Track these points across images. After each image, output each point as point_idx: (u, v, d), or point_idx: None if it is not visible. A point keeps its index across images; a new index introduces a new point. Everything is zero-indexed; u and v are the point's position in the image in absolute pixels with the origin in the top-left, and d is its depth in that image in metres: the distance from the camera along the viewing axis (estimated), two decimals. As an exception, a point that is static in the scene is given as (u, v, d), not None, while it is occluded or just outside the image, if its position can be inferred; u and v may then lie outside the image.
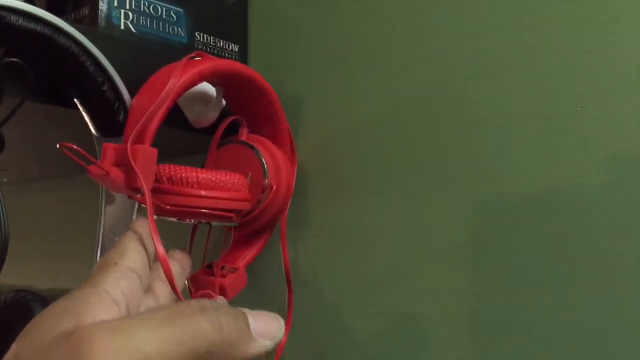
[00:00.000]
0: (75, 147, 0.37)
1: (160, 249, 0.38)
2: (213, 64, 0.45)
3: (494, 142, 0.44)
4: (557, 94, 0.41)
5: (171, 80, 0.42)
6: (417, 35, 0.49)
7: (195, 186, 0.44)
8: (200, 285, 0.49)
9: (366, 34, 0.52)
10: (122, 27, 0.49)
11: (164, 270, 0.37)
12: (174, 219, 0.45)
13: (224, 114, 0.51)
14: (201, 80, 0.45)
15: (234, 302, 0.49)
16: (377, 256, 0.50)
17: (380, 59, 0.51)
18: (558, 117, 0.41)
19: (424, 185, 0.47)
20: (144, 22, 0.50)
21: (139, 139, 0.41)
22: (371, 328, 0.49)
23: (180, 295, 0.39)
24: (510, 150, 0.43)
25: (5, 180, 0.41)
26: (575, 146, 0.41)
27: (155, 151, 0.41)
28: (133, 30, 0.49)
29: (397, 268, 0.48)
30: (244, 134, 0.51)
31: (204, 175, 0.44)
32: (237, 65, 0.48)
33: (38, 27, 0.38)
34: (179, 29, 0.53)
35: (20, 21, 0.37)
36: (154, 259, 0.37)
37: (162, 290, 0.38)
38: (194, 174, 0.44)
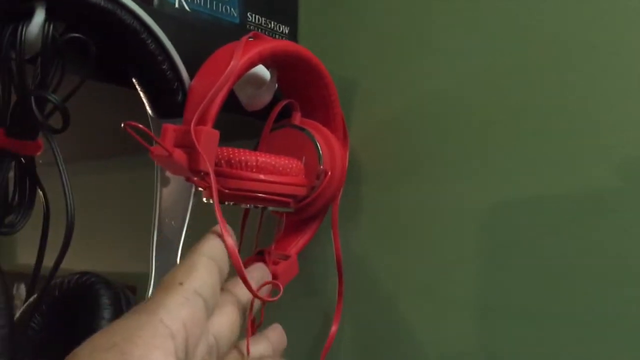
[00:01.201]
0: (141, 126, 0.36)
1: (230, 240, 0.37)
2: (273, 44, 0.44)
3: (562, 130, 0.43)
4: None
5: (233, 61, 0.41)
6: (480, 16, 0.47)
7: (254, 170, 0.43)
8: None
9: (423, 14, 0.50)
10: (176, 5, 0.47)
11: (233, 261, 0.36)
12: (230, 203, 0.44)
13: (276, 98, 0.50)
14: (261, 61, 0.43)
15: (285, 290, 0.48)
16: (433, 247, 0.48)
17: (438, 40, 0.49)
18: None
19: (487, 173, 0.46)
20: (198, 1, 0.48)
21: (202, 120, 0.39)
22: (424, 321, 0.48)
23: (252, 287, 0.37)
24: (579, 139, 0.42)
25: (40, 161, 0.40)
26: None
27: (217, 133, 0.40)
28: (187, 8, 0.48)
29: (456, 261, 0.47)
30: (297, 118, 0.50)
31: (264, 159, 0.43)
32: (295, 47, 0.46)
33: (101, 2, 0.37)
34: (232, 9, 0.51)
35: (84, -5, 0.36)
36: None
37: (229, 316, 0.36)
38: (253, 157, 0.43)
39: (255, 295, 0.38)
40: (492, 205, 0.45)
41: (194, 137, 0.38)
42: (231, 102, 0.49)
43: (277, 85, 0.50)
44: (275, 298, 0.44)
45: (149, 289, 0.42)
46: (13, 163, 0.36)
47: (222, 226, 0.37)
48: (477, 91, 0.47)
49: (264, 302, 0.37)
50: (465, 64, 0.48)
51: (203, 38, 0.47)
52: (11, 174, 0.39)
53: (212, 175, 0.37)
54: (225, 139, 0.45)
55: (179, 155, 0.38)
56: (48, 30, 0.35)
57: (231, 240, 0.37)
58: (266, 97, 0.49)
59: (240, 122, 0.52)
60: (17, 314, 0.36)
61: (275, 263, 0.48)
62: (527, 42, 0.45)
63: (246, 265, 0.48)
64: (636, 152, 0.39)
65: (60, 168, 0.34)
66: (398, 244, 0.50)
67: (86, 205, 0.75)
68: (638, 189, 0.39)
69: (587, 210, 0.41)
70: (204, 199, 0.42)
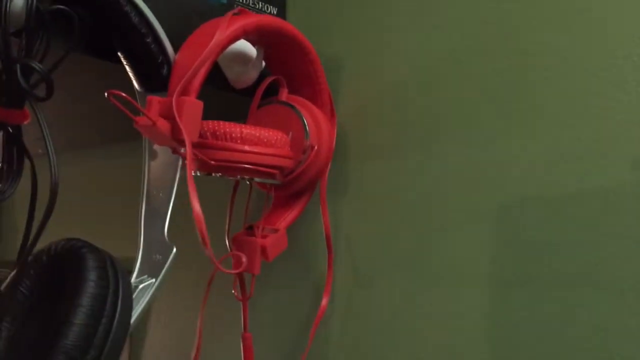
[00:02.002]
0: (124, 94, 0.37)
1: (197, 206, 0.38)
2: (257, 18, 0.45)
3: (545, 102, 0.43)
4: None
5: (217, 34, 0.42)
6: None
7: (239, 141, 0.43)
8: (241, 246, 0.48)
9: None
10: (163, -16, 0.48)
11: (198, 228, 0.37)
12: (217, 175, 0.45)
13: (262, 75, 0.51)
14: (245, 34, 0.44)
15: (275, 263, 0.49)
16: (418, 220, 0.49)
17: (423, 15, 0.50)
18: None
19: (467, 147, 0.46)
20: (185, -20, 0.49)
21: (185, 92, 0.40)
22: (411, 293, 0.49)
23: (212, 254, 0.38)
24: (554, 110, 0.42)
25: (40, 151, 0.41)
26: None
27: (200, 104, 0.40)
28: (174, -13, 0.49)
29: (440, 232, 0.48)
30: (284, 95, 0.51)
31: (248, 131, 0.44)
32: (279, 22, 0.47)
33: (85, -25, 0.38)
34: (219, -11, 0.52)
35: (68, -32, 0.37)
36: None
37: None
38: (237, 129, 0.43)
39: (216, 266, 0.38)
40: (479, 173, 0.46)
41: (175, 107, 0.39)
42: (219, 80, 0.50)
43: (263, 63, 0.50)
44: (235, 270, 0.44)
45: (137, 259, 0.43)
46: (1, 133, 0.37)
47: (191, 193, 0.38)
48: (464, 64, 0.47)
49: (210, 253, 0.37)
50: (454, 36, 0.48)
51: (190, 17, 0.47)
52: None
53: (187, 142, 0.38)
54: (219, 117, 0.46)
55: (163, 124, 0.39)
56: (32, 2, 0.36)
57: (197, 207, 0.37)
58: (253, 74, 0.50)
59: (230, 102, 0.53)
60: (7, 280, 0.37)
61: (264, 237, 0.48)
62: (521, 11, 0.45)
63: (237, 238, 0.49)
64: None
65: (44, 132, 0.34)
66: (386, 217, 0.50)
67: (85, 192, 0.76)
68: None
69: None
70: (192, 173, 0.43)
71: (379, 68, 0.52)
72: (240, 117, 0.55)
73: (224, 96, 0.51)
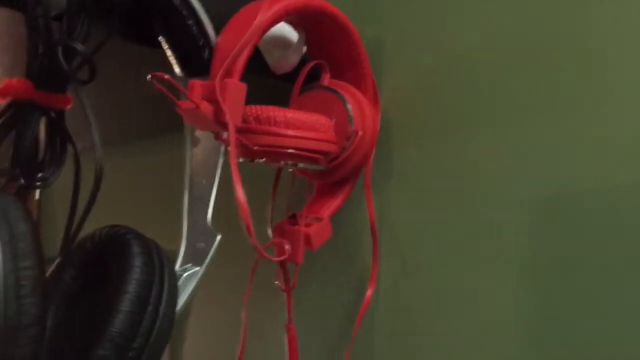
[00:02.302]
0: (167, 76, 0.36)
1: (241, 193, 0.36)
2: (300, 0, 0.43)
3: (603, 81, 0.41)
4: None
5: (259, 15, 0.40)
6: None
7: (282, 126, 0.42)
8: (284, 235, 0.47)
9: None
10: (202, -34, 0.47)
11: (242, 216, 0.36)
12: (260, 161, 0.43)
13: (303, 60, 0.49)
14: (287, 15, 0.43)
15: (318, 253, 0.47)
16: (465, 205, 0.47)
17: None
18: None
19: (515, 130, 0.44)
20: (224, -38, 0.48)
21: (228, 74, 0.39)
22: (462, 281, 0.47)
23: (256, 242, 0.37)
24: (620, 93, 0.40)
25: (79, 146, 0.40)
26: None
27: (244, 86, 0.39)
28: (213, -29, 0.48)
29: (488, 218, 0.46)
30: (326, 79, 0.49)
31: (292, 115, 0.42)
32: (322, 3, 0.45)
33: (126, -44, 0.37)
34: (258, -28, 0.51)
35: (108, -50, 0.36)
36: None
37: None
38: (281, 113, 0.42)
39: (261, 253, 0.37)
40: (530, 158, 0.44)
41: (218, 89, 0.38)
42: (259, 66, 0.49)
43: (304, 47, 0.49)
44: (278, 258, 0.43)
45: (181, 247, 0.42)
46: (43, 118, 0.36)
47: (235, 179, 0.37)
48: (512, 45, 0.45)
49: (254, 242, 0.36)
50: (500, 17, 0.46)
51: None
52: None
53: (230, 125, 0.37)
54: (260, 103, 0.45)
55: (206, 107, 0.38)
56: (73, -16, 0.35)
57: (242, 194, 0.36)
58: (294, 59, 0.48)
59: (270, 88, 0.51)
60: (51, 268, 0.36)
61: (308, 225, 0.47)
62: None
63: (279, 227, 0.48)
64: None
65: (89, 117, 0.34)
66: (433, 204, 0.49)
67: (126, 186, 0.76)
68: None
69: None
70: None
71: (424, 50, 0.51)
72: (280, 103, 0.53)
73: (264, 82, 0.50)
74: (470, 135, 0.47)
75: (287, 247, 0.41)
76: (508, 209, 0.44)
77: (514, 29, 0.45)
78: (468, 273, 0.46)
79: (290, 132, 0.42)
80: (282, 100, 0.51)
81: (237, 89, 0.39)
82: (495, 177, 0.45)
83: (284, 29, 0.47)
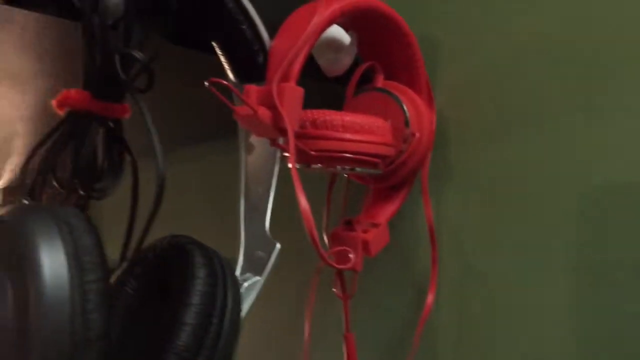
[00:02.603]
0: (225, 82, 0.35)
1: (304, 202, 0.35)
2: (354, 0, 0.42)
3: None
4: None
5: (315, 17, 0.39)
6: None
7: (340, 130, 0.41)
8: (341, 241, 0.46)
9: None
10: (252, -31, 0.46)
11: (305, 224, 0.34)
12: (316, 167, 0.42)
13: (355, 62, 0.48)
14: (342, 17, 0.42)
15: (377, 260, 0.46)
16: (531, 209, 0.45)
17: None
18: None
19: (578, 129, 0.42)
20: (274, -36, 0.47)
21: (284, 78, 0.38)
22: (525, 286, 0.45)
23: (322, 250, 0.36)
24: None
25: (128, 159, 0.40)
26: None
27: (301, 90, 0.38)
28: (263, -27, 0.47)
29: (552, 220, 0.44)
30: (380, 81, 0.48)
31: (349, 118, 0.41)
32: (377, 3, 0.44)
33: (180, -39, 0.36)
34: (308, -27, 0.50)
35: (163, -45, 0.36)
36: None
37: None
38: (338, 117, 0.41)
39: (325, 262, 0.36)
40: (590, 161, 0.42)
41: (275, 94, 0.37)
42: (310, 68, 0.48)
43: (356, 49, 0.48)
44: (344, 266, 0.42)
45: (240, 256, 0.41)
46: (100, 127, 0.36)
47: (296, 186, 0.36)
48: (569, 43, 0.43)
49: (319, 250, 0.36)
50: (558, 15, 0.44)
51: (280, 1, 0.45)
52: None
53: (289, 130, 0.36)
54: (312, 107, 0.44)
55: (263, 113, 0.37)
56: (129, -8, 0.35)
57: (305, 204, 0.35)
58: (346, 61, 0.47)
59: (321, 91, 0.50)
60: (113, 279, 0.35)
61: (365, 231, 0.46)
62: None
63: (336, 233, 0.46)
64: None
65: (148, 125, 0.33)
66: (492, 207, 0.47)
67: (176, 191, 0.76)
68: None
69: None
70: (289, 165, 0.41)
71: (478, 48, 0.49)
72: (332, 106, 0.52)
73: (316, 85, 0.49)
74: (529, 134, 0.45)
75: (351, 255, 0.40)
76: (573, 211, 0.42)
77: (570, 26, 0.43)
78: (532, 281, 0.44)
79: (348, 136, 0.41)
80: (334, 103, 0.50)
81: (294, 93, 0.38)
82: (559, 177, 0.43)
83: (337, 31, 0.46)
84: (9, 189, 1.24)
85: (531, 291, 0.44)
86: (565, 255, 0.43)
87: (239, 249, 0.41)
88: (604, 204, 0.41)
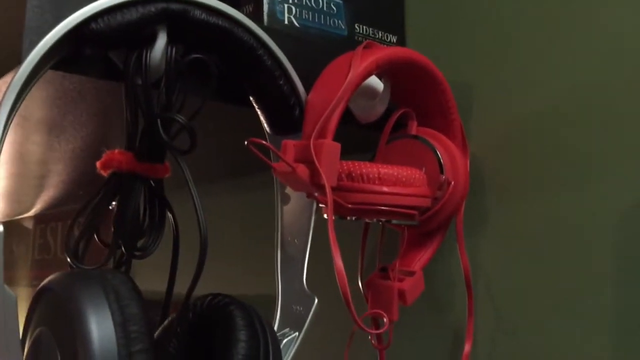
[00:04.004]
0: (264, 142, 0.35)
1: (338, 260, 0.35)
2: (389, 51, 0.43)
3: None
4: None
5: (352, 71, 0.40)
6: (609, 11, 0.43)
7: (377, 182, 0.41)
8: (377, 290, 0.46)
9: (541, 11, 0.47)
10: (286, 21, 0.47)
11: (340, 286, 0.34)
12: (352, 218, 0.42)
13: (389, 108, 0.48)
14: (378, 69, 0.42)
15: (412, 309, 0.46)
16: (568, 258, 0.44)
17: (561, 38, 0.46)
18: None
19: (618, 179, 0.42)
20: (307, 15, 0.48)
21: (321, 134, 0.38)
22: (562, 338, 0.44)
23: (356, 316, 0.36)
24: None
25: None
26: None
27: (338, 146, 0.38)
28: (296, 24, 0.48)
29: (589, 274, 0.43)
30: (413, 128, 0.48)
31: (386, 171, 0.41)
32: (411, 53, 0.44)
33: (220, 21, 0.37)
34: (339, 22, 0.50)
35: (203, 15, 0.36)
36: None
37: None
38: (374, 169, 0.41)
39: (358, 324, 0.36)
40: (627, 211, 0.41)
41: (313, 151, 0.37)
42: (344, 114, 0.48)
43: (390, 96, 0.48)
44: (379, 330, 0.42)
45: (277, 311, 0.41)
46: (143, 186, 0.36)
47: (333, 247, 0.36)
48: (611, 92, 0.43)
49: (354, 315, 0.35)
50: (592, 63, 0.44)
51: (313, 52, 0.46)
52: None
53: (327, 188, 0.36)
54: (345, 152, 0.44)
55: (302, 170, 0.37)
56: (171, 54, 0.35)
57: (340, 261, 0.35)
58: (380, 108, 0.47)
59: (353, 135, 0.51)
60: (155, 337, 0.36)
61: (400, 280, 0.45)
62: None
63: (371, 281, 0.46)
64: None
65: (191, 189, 0.33)
66: (528, 256, 0.46)
67: (215, 226, 0.76)
68: None
69: None
70: (324, 215, 0.41)
71: (512, 96, 0.49)
72: (364, 150, 0.53)
73: (348, 131, 0.49)
74: (561, 187, 0.45)
75: (385, 319, 0.40)
76: (611, 265, 0.42)
77: (615, 76, 0.43)
78: (571, 330, 0.44)
79: (384, 189, 0.41)
80: (367, 149, 0.50)
81: (332, 149, 0.38)
82: (598, 231, 0.43)
83: (371, 79, 0.46)
84: (40, 216, 1.27)
85: (567, 342, 0.44)
86: (600, 314, 0.42)
87: (276, 302, 0.41)
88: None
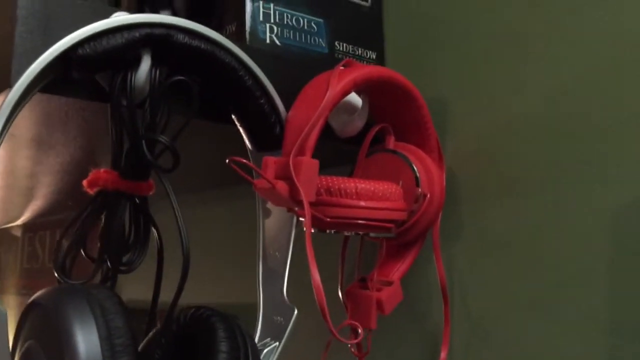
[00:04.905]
0: (244, 161, 0.37)
1: (316, 275, 0.37)
2: (366, 71, 0.44)
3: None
4: None
5: (329, 90, 0.41)
6: (574, 25, 0.46)
7: (354, 197, 0.43)
8: (356, 299, 0.47)
9: (512, 25, 0.49)
10: (267, 40, 0.49)
11: (317, 299, 0.36)
12: (331, 232, 0.44)
13: (367, 123, 0.50)
14: (355, 88, 0.44)
15: (390, 317, 0.47)
16: (542, 264, 0.46)
17: (531, 50, 0.48)
18: None
19: (590, 189, 0.44)
20: (288, 34, 0.50)
21: (300, 151, 0.40)
22: (538, 343, 0.46)
23: (332, 326, 0.37)
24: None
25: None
26: None
27: (316, 163, 0.40)
28: (278, 43, 0.49)
29: (564, 281, 0.45)
30: (391, 142, 0.50)
31: (363, 186, 0.43)
32: (388, 72, 0.46)
33: (202, 44, 0.38)
34: (320, 40, 0.52)
35: (186, 39, 0.38)
36: None
37: None
38: (352, 184, 0.43)
39: (334, 335, 0.38)
40: (600, 215, 0.43)
41: (292, 168, 0.39)
42: (324, 130, 0.50)
43: (368, 111, 0.50)
44: (355, 340, 0.44)
45: (258, 321, 0.42)
46: (128, 203, 0.38)
47: (310, 261, 0.37)
48: (576, 103, 0.45)
49: (331, 328, 0.37)
50: (561, 75, 0.46)
51: (295, 70, 0.47)
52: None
53: (305, 204, 0.38)
54: (324, 166, 0.45)
55: (281, 186, 0.39)
56: (154, 76, 0.37)
57: (317, 277, 0.36)
58: (359, 124, 0.49)
59: (332, 149, 0.52)
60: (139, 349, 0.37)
61: (379, 290, 0.47)
62: (624, 49, 0.43)
63: (350, 291, 0.48)
64: None
65: (174, 205, 0.35)
66: (503, 263, 0.48)
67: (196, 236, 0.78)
68: None
69: None
70: (304, 229, 0.42)
71: (486, 108, 0.51)
72: (342, 163, 0.54)
73: (327, 145, 0.51)
74: (536, 192, 0.47)
75: (360, 330, 0.42)
76: (585, 272, 0.44)
77: (578, 94, 0.45)
78: (547, 335, 0.46)
79: (362, 204, 0.42)
80: (345, 162, 0.52)
81: (310, 166, 0.40)
82: (572, 238, 0.45)
83: (350, 96, 0.48)
84: (28, 225, 1.28)
85: (543, 348, 0.46)
86: (577, 314, 0.44)
87: (257, 313, 0.43)
88: (619, 265, 0.42)
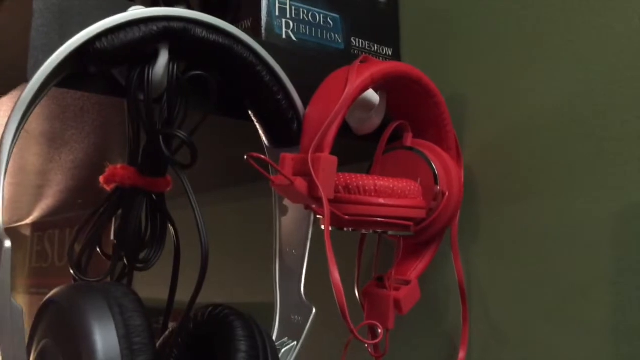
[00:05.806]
0: (263, 157, 0.36)
1: (336, 275, 0.36)
2: (384, 66, 0.44)
3: None
4: None
5: (348, 86, 0.41)
6: (596, 21, 0.45)
7: (373, 194, 0.42)
8: (373, 299, 0.47)
9: (531, 21, 0.49)
10: (283, 36, 0.48)
11: (336, 297, 0.35)
12: (349, 229, 0.43)
13: (385, 120, 0.49)
14: (373, 84, 0.43)
15: (408, 316, 0.47)
16: (562, 264, 0.45)
17: (550, 48, 0.47)
18: None
19: (608, 185, 0.43)
20: (304, 30, 0.49)
21: (319, 148, 0.39)
22: (556, 344, 0.45)
23: (352, 326, 0.37)
24: None
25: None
26: None
27: (335, 159, 0.39)
28: (294, 38, 0.49)
29: (584, 282, 0.44)
30: (409, 139, 0.49)
31: (382, 183, 0.42)
32: (406, 67, 0.45)
33: (220, 39, 0.38)
34: (336, 35, 0.51)
35: (204, 33, 0.37)
36: None
37: None
38: (371, 181, 0.42)
39: (354, 335, 0.37)
40: (619, 216, 0.42)
41: (311, 165, 0.38)
42: (341, 127, 0.49)
43: (385, 108, 0.49)
44: (374, 340, 0.43)
45: (275, 320, 0.42)
46: (145, 200, 0.37)
47: (330, 259, 0.37)
48: (596, 102, 0.44)
49: (350, 326, 0.36)
50: (582, 73, 0.45)
51: (311, 66, 0.47)
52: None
53: (324, 201, 0.37)
54: (341, 163, 0.45)
55: (300, 183, 0.38)
56: (172, 70, 0.36)
57: (337, 275, 0.36)
58: (376, 121, 0.48)
59: (349, 146, 0.52)
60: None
61: (396, 289, 0.46)
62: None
63: (368, 291, 0.47)
64: None
65: (193, 202, 0.34)
66: (522, 263, 0.47)
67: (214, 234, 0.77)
68: None
69: None
70: (322, 227, 0.42)
71: (505, 105, 0.50)
72: (360, 160, 0.54)
73: (345, 142, 0.50)
74: (557, 190, 0.46)
75: (380, 330, 0.41)
76: (602, 269, 0.43)
77: (599, 92, 0.44)
78: (565, 336, 0.45)
79: (380, 201, 0.42)
80: (363, 159, 0.51)
81: (329, 163, 0.39)
82: (592, 239, 0.44)
83: (368, 93, 0.47)
84: (37, 224, 1.27)
85: (561, 349, 0.45)
86: (595, 320, 0.43)
87: (275, 312, 0.42)
88: (636, 267, 0.42)
